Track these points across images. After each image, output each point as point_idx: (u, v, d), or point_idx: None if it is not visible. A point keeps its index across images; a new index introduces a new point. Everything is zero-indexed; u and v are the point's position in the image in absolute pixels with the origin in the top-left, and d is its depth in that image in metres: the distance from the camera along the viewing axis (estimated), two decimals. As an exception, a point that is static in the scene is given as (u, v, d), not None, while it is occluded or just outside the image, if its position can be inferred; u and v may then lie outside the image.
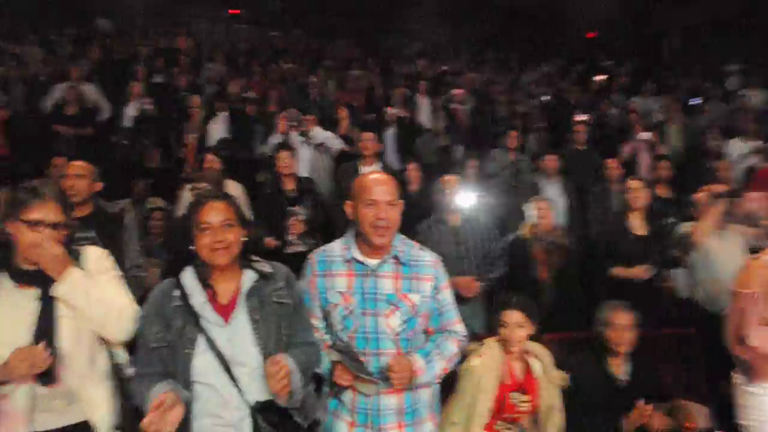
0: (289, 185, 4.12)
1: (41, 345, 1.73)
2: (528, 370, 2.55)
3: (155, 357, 1.76)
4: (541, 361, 2.58)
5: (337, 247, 2.05)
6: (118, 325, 1.86)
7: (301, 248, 4.00)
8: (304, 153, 5.22)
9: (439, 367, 1.98)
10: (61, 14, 11.49)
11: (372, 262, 1.98)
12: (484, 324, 3.40)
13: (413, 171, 4.73)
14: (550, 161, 5.05)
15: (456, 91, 7.69)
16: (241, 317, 1.78)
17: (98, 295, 1.83)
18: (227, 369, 1.71)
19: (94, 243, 2.71)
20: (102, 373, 1.93)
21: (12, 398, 1.76)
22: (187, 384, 1.72)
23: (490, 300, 3.53)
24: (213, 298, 1.80)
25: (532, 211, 3.83)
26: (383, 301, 1.95)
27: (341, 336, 1.96)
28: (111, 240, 2.82)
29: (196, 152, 6.10)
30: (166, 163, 6.11)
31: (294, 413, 1.75)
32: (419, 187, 4.69)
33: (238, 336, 1.76)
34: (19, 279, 1.81)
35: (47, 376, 1.76)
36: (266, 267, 1.89)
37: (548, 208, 3.84)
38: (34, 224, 1.79)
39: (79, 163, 2.96)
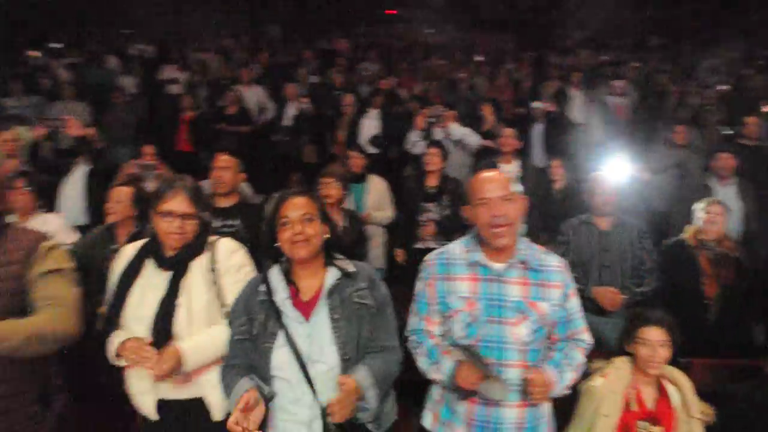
0: (432, 182, 4.14)
1: (146, 339, 1.89)
2: (663, 398, 2.28)
3: (239, 349, 1.82)
4: (681, 390, 2.28)
5: (457, 249, 1.97)
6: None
7: (431, 245, 4.03)
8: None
9: (569, 378, 1.87)
10: (236, 23, 12.77)
11: (497, 266, 1.89)
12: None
13: (557, 168, 4.49)
14: (725, 160, 4.46)
15: (616, 83, 7.17)
16: (322, 315, 1.78)
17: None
18: (303, 366, 1.71)
19: (237, 232, 2.97)
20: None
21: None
22: (266, 378, 1.76)
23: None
24: (296, 294, 1.82)
25: (700, 213, 3.40)
26: (510, 309, 1.85)
27: (462, 343, 1.88)
28: (253, 229, 3.01)
29: (346, 148, 6.45)
30: (320, 158, 6.52)
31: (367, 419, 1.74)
32: (565, 185, 4.45)
33: (317, 334, 1.75)
34: (161, 263, 2.02)
35: None
36: (349, 266, 1.87)
37: (721, 213, 3.36)
38: (165, 215, 1.98)
39: (224, 156, 3.14)
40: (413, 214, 4.08)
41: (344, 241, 3.24)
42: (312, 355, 1.74)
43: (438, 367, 1.89)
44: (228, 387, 1.77)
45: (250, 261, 2.15)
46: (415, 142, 5.14)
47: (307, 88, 7.92)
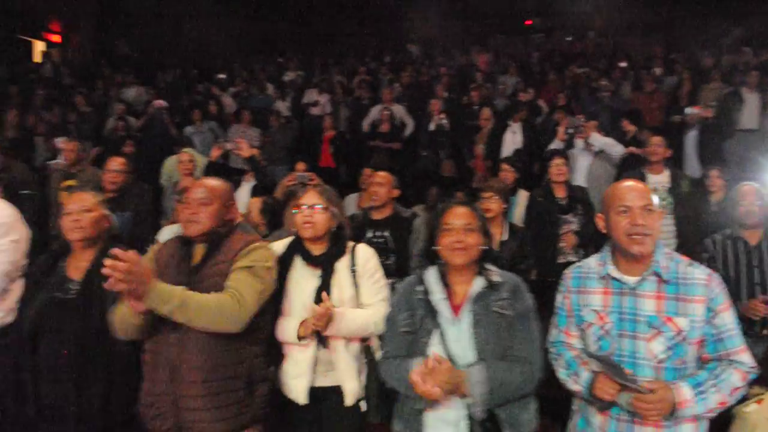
0: (560, 193, 4.10)
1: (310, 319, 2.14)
2: None
3: (403, 341, 1.95)
4: None
5: (593, 263, 1.97)
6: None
7: (572, 258, 3.96)
8: (584, 160, 5.09)
9: (714, 400, 1.74)
10: (381, 44, 13.42)
11: (630, 279, 1.84)
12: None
13: (716, 178, 4.17)
14: None
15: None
16: (466, 320, 1.88)
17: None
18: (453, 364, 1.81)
19: (386, 242, 3.21)
20: (355, 349, 2.27)
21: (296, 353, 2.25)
22: None
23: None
24: (449, 296, 1.95)
25: None
26: (644, 323, 1.79)
27: (599, 354, 1.87)
28: (401, 240, 3.27)
29: (484, 162, 6.53)
30: (457, 172, 6.67)
31: (505, 426, 1.81)
32: (724, 196, 4.12)
33: (461, 336, 1.87)
34: (308, 260, 2.28)
35: (322, 341, 2.21)
36: (496, 276, 1.94)
37: None
38: (298, 206, 2.27)
39: (381, 173, 3.44)
40: (550, 227, 4.03)
41: (503, 254, 3.32)
42: (457, 356, 1.85)
43: (576, 378, 1.89)
44: (393, 373, 1.94)
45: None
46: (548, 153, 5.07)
47: (444, 104, 8.16)
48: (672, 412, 1.71)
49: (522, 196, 4.39)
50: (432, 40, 13.48)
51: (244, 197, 4.82)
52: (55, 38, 13.98)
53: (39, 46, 13.67)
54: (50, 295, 2.22)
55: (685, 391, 1.72)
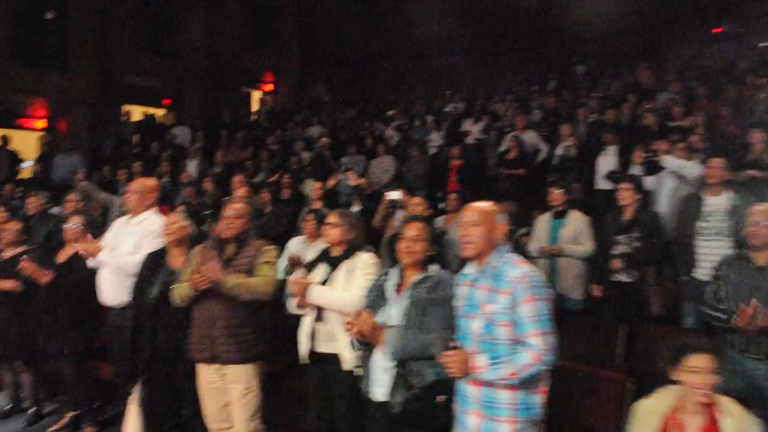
0: (627, 215, 4.13)
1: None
2: (712, 428, 2.11)
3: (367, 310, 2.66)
4: (735, 422, 2.08)
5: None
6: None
7: (623, 278, 3.97)
8: (668, 183, 4.93)
9: (506, 371, 2.17)
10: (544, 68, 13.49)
11: (474, 275, 2.38)
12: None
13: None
14: None
15: None
16: (403, 299, 2.56)
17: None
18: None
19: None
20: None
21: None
22: None
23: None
24: (402, 284, 2.64)
25: None
26: (473, 307, 2.33)
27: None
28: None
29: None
30: (585, 195, 6.72)
31: (413, 374, 2.45)
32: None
33: (398, 309, 2.59)
34: (324, 260, 3.14)
35: (319, 317, 2.98)
36: (430, 272, 2.58)
37: None
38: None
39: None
40: (606, 247, 4.13)
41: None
42: (392, 321, 2.53)
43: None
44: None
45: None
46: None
47: (588, 127, 8.14)
48: (469, 373, 2.21)
49: (574, 217, 4.56)
50: (605, 57, 13.09)
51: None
52: (268, 87, 16.89)
53: (256, 95, 16.67)
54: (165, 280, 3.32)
55: (480, 360, 2.20)
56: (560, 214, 4.55)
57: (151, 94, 14.41)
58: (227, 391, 3.10)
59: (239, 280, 2.98)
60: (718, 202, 3.88)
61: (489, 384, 2.24)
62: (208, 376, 3.12)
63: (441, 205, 6.18)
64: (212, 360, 3.06)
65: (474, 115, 9.97)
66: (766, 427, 2.20)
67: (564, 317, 4.33)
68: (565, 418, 3.17)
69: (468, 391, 2.31)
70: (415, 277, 2.57)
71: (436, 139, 9.71)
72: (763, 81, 8.45)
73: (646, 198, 4.85)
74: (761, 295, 2.79)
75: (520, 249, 4.05)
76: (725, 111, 7.09)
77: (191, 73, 14.79)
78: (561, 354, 2.28)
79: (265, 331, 3.17)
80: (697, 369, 2.17)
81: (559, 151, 7.37)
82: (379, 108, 12.62)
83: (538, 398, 2.28)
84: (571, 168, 7.06)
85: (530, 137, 7.99)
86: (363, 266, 3.01)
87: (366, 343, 2.54)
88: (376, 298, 2.65)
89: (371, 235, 4.68)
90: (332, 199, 6.39)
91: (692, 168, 4.58)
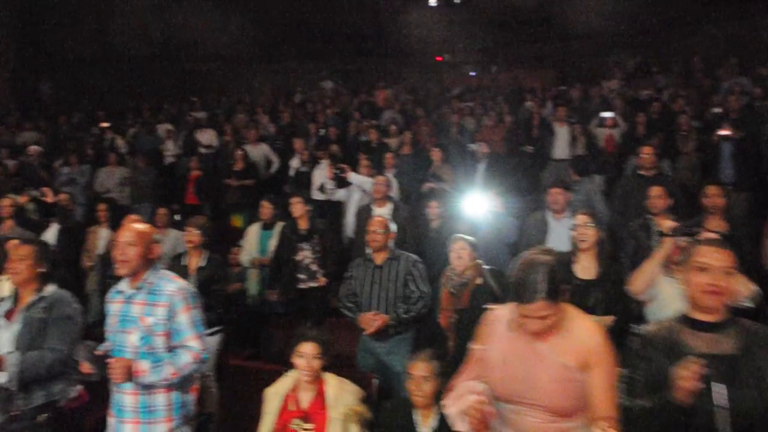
0: (302, 225, 4.59)
1: None
2: (318, 400, 2.62)
3: None
4: (334, 390, 2.62)
5: None
6: None
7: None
8: (355, 195, 5.62)
9: (168, 371, 2.37)
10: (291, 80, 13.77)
11: (127, 290, 2.47)
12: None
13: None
14: None
15: None
16: (16, 322, 2.63)
17: None
18: None
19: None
20: None
21: None
22: None
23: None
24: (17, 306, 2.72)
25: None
26: (129, 321, 2.43)
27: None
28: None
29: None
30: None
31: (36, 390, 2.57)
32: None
33: (11, 333, 2.66)
34: None
35: None
36: (44, 293, 2.67)
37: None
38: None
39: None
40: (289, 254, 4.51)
41: (200, 278, 3.90)
42: (3, 347, 2.60)
43: None
44: None
45: None
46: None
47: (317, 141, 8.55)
48: (132, 378, 2.32)
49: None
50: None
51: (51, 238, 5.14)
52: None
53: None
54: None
55: (142, 365, 2.34)
56: (269, 226, 4.72)
57: None
58: None
59: None
60: (382, 212, 4.54)
61: (146, 391, 2.37)
62: None
63: (177, 217, 5.99)
64: None
65: (215, 126, 9.79)
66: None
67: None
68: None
69: (124, 400, 2.41)
70: (26, 298, 2.62)
71: (172, 148, 9.32)
72: (464, 105, 9.96)
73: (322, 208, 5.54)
74: (379, 288, 3.49)
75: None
76: (426, 130, 8.13)
77: None
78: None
79: None
80: (304, 354, 2.57)
81: (295, 163, 7.63)
82: (111, 114, 11.60)
83: (190, 397, 2.52)
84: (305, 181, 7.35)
85: (262, 149, 8.15)
86: None
87: None
88: None
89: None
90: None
91: (368, 183, 5.22)
